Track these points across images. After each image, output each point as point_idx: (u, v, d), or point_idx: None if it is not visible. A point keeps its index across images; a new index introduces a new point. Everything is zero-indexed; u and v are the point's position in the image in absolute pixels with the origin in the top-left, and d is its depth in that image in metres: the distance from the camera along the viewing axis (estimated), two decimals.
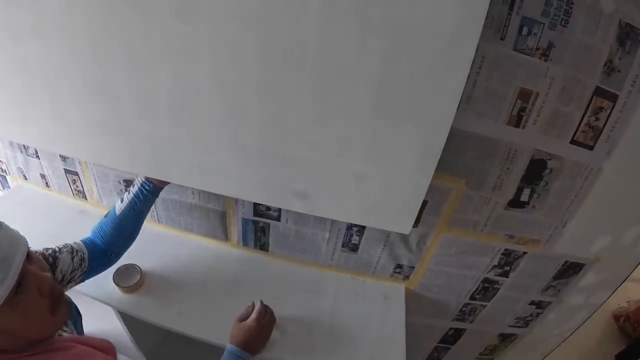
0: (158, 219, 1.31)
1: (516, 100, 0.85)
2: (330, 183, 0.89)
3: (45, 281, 0.62)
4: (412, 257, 1.10)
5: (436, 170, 0.80)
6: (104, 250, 0.96)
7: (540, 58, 0.82)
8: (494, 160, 0.90)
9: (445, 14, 0.64)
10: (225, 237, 1.27)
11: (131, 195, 0.99)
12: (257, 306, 0.99)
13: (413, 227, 1.02)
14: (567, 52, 0.81)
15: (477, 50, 0.73)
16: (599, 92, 0.86)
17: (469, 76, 0.79)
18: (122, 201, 0.99)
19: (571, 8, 0.78)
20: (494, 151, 0.89)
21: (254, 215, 1.17)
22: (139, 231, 1.04)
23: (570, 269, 1.15)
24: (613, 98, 0.87)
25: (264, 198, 0.99)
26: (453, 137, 0.83)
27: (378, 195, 0.88)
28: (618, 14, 0.79)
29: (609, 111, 0.88)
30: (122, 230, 0.99)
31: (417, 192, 0.84)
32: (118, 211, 0.98)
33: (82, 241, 0.94)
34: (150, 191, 1.00)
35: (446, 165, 0.90)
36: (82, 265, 0.90)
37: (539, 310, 1.27)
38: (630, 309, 2.33)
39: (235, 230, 1.24)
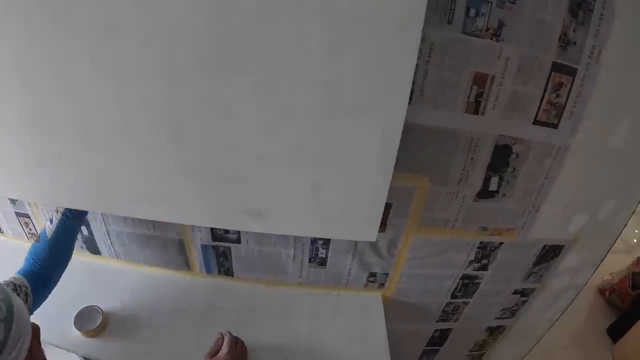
0: (116, 255, 1.21)
1: (472, 86, 0.79)
2: (285, 197, 0.81)
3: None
4: (384, 263, 1.03)
5: (397, 170, 0.74)
6: (42, 276, 0.89)
7: (491, 39, 0.76)
8: (456, 152, 0.85)
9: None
10: (187, 266, 1.18)
11: (59, 214, 0.92)
12: (226, 339, 0.91)
13: (380, 232, 0.95)
14: (519, 30, 0.76)
15: (424, 37, 0.67)
16: (556, 67, 0.81)
17: (418, 66, 0.73)
18: (51, 222, 0.92)
19: None
20: (455, 142, 0.84)
21: (213, 240, 1.09)
22: (72, 251, 0.97)
23: (550, 253, 1.11)
24: (572, 72, 0.82)
25: (217, 222, 0.91)
26: (410, 133, 0.77)
27: (338, 203, 0.81)
28: None
29: (569, 86, 0.84)
30: (57, 252, 0.92)
31: (378, 195, 0.78)
32: (49, 233, 0.91)
33: (20, 274, 0.85)
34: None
35: (406, 163, 0.84)
36: (28, 301, 0.82)
37: (524, 299, 1.22)
38: (614, 281, 2.33)
39: (196, 259, 1.15)
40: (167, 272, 1.21)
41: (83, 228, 1.13)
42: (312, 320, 1.07)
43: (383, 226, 0.95)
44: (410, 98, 0.74)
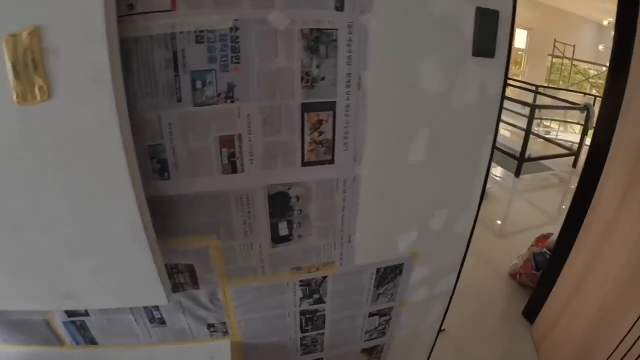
0: None
1: (221, 150, 0.83)
2: (80, 280, 0.86)
3: None
4: (215, 314, 1.06)
5: (185, 234, 0.86)
6: None
7: (226, 102, 0.80)
8: (229, 210, 0.88)
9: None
10: (60, 341, 1.21)
11: None
12: None
13: (194, 289, 0.99)
14: (251, 85, 0.80)
15: (160, 120, 0.77)
16: (308, 107, 0.84)
17: (164, 145, 0.79)
18: None
19: (237, 44, 0.77)
20: (225, 202, 0.86)
21: (68, 317, 1.12)
22: None
23: (390, 273, 1.13)
24: (330, 106, 0.86)
25: (31, 305, 0.95)
26: (179, 203, 0.84)
27: (120, 279, 0.85)
28: (296, 25, 0.78)
29: (331, 121, 0.87)
30: None
31: (147, 266, 0.82)
32: None
33: None
34: None
35: (192, 227, 0.88)
36: None
37: (386, 318, 1.25)
38: (520, 264, 2.35)
39: (63, 334, 1.18)
40: (44, 348, 1.24)
41: None
42: None
43: (195, 284, 0.98)
44: (168, 173, 0.80)
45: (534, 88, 7.40)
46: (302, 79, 0.82)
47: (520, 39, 10.86)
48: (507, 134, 6.27)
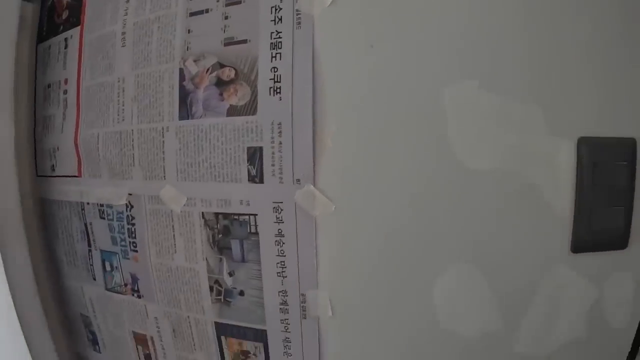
0: None
1: (137, 347, 0.63)
2: None
3: None
4: None
5: None
6: None
7: (133, 295, 0.60)
8: None
9: None
10: None
11: None
12: None
13: None
14: (152, 283, 0.57)
15: (82, 292, 0.66)
16: (225, 330, 0.55)
17: (89, 318, 0.68)
18: None
19: (133, 226, 0.57)
20: None
21: None
22: None
23: None
24: (258, 336, 0.53)
25: None
26: None
27: None
28: (195, 206, 0.52)
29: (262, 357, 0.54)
30: None
31: None
32: None
33: None
34: None
35: None
36: None
37: None
38: None
39: None
40: None
41: None
42: None
43: None
44: (99, 347, 0.70)
45: None
46: (211, 288, 0.51)
47: None
48: None
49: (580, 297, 0.52)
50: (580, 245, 0.50)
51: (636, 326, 0.57)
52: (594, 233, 0.50)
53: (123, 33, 0.54)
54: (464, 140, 0.45)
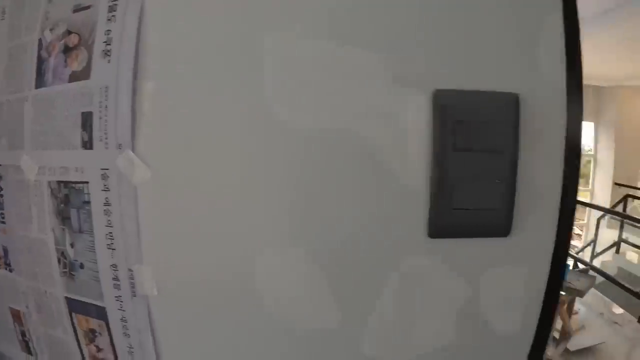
0: None
1: (14, 323, 0.63)
2: None
3: None
4: None
5: None
6: None
7: (6, 269, 0.60)
8: None
9: None
10: None
11: None
12: None
13: None
14: (19, 256, 0.57)
15: None
16: (74, 306, 0.53)
17: None
18: None
19: (2, 197, 0.57)
20: None
21: None
22: None
23: None
24: (99, 313, 0.51)
25: None
26: None
27: None
28: (44, 174, 0.51)
29: (106, 334, 0.52)
30: None
31: None
32: None
33: None
34: None
35: None
36: None
37: None
38: None
39: None
40: None
41: None
42: None
43: None
44: None
45: None
46: (58, 260, 0.50)
47: None
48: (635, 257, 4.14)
49: (446, 295, 0.47)
50: (438, 229, 0.42)
51: (532, 333, 0.51)
52: (458, 214, 0.42)
53: (3, 7, 0.55)
54: (283, 96, 0.41)
